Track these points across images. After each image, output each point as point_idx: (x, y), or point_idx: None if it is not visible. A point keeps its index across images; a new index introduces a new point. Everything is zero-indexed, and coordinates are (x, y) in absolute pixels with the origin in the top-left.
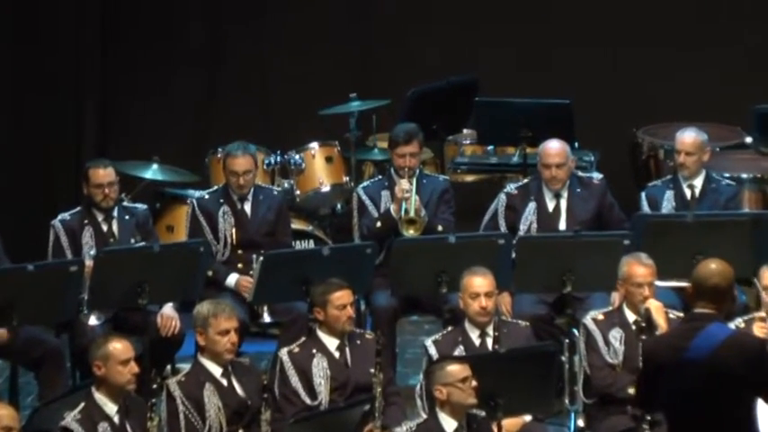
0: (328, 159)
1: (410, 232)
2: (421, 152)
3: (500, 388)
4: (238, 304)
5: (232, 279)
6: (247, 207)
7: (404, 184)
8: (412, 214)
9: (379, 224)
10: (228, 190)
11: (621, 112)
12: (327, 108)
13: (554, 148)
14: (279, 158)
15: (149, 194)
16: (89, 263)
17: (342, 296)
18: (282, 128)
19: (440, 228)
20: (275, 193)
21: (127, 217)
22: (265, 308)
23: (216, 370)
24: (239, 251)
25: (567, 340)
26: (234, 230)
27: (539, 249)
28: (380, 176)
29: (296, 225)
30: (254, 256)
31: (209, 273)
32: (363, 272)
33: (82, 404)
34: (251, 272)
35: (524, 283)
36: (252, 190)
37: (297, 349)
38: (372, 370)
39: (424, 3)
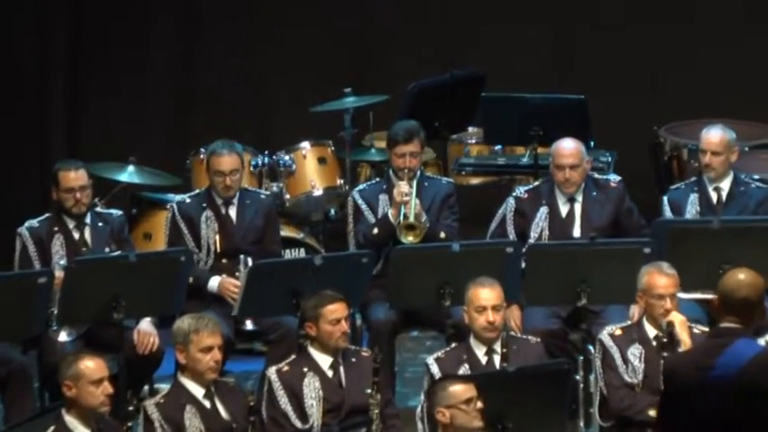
0: (321, 160)
1: (410, 239)
2: (422, 152)
3: (509, 410)
4: (223, 319)
5: (214, 282)
6: (232, 212)
7: (403, 186)
8: (412, 220)
9: (376, 231)
10: (212, 193)
11: (641, 109)
12: (320, 104)
13: (568, 147)
14: (267, 159)
15: (125, 199)
16: (59, 274)
17: (335, 309)
18: (271, 126)
19: (442, 235)
20: (263, 197)
21: (100, 224)
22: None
23: (198, 391)
24: (223, 260)
25: (581, 358)
26: (218, 237)
27: (551, 258)
28: (378, 179)
29: (285, 232)
30: (242, 256)
31: (191, 279)
32: (359, 283)
33: (51, 428)
34: (237, 273)
35: (535, 296)
36: (237, 194)
37: (286, 368)
38: (369, 390)
39: None
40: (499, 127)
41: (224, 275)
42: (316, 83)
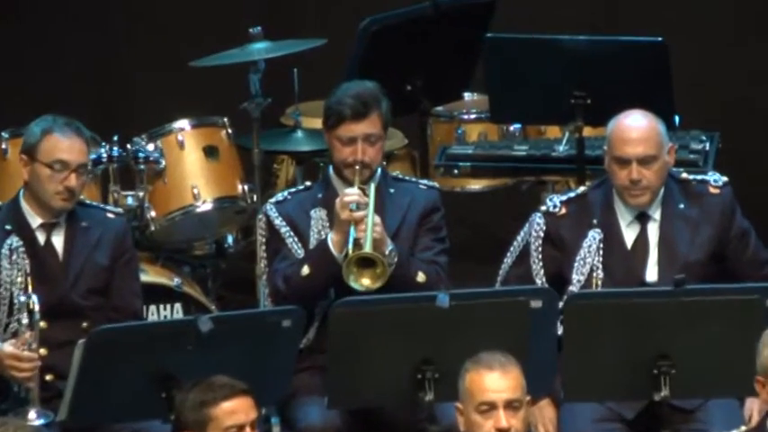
0: (209, 151)
1: (365, 283)
2: (384, 136)
3: None
4: (40, 427)
5: None
6: (57, 241)
7: (352, 195)
8: (368, 250)
9: (306, 271)
10: (22, 208)
11: (760, 62)
12: (206, 56)
13: (636, 127)
14: (116, 152)
15: None
16: None
17: (235, 409)
18: (121, 95)
19: (421, 277)
20: (110, 216)
21: None
22: (33, 396)
23: None
24: (41, 323)
25: None
26: (29, 283)
27: (607, 318)
28: (308, 183)
29: (149, 276)
30: (22, 297)
31: None
32: (277, 363)
33: None
34: (20, 329)
35: (580, 384)
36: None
37: None
38: None
39: None
40: (516, 92)
41: (11, 341)
42: (199, 19)
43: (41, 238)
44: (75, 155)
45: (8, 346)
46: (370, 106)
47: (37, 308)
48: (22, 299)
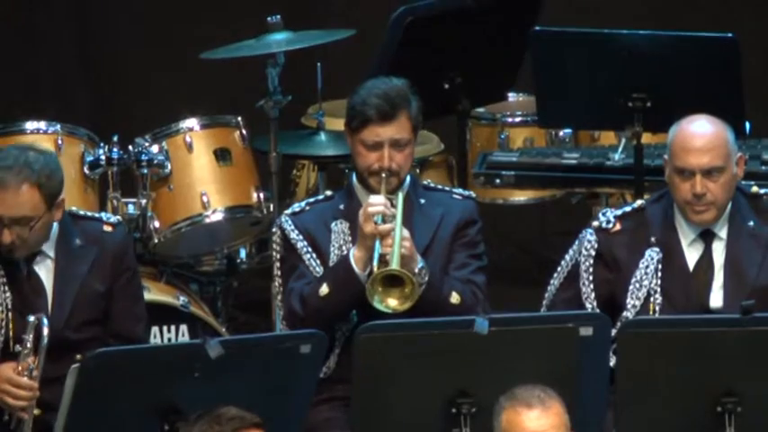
0: (221, 154)
1: (392, 304)
2: (414, 139)
3: None
4: None
5: None
6: (44, 270)
7: (378, 205)
8: (395, 266)
9: (325, 290)
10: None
11: None
12: (219, 48)
13: (700, 135)
14: (115, 154)
15: None
16: None
17: None
18: (122, 90)
19: (455, 298)
20: (107, 230)
21: None
22: (27, 428)
23: None
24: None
25: None
26: (11, 316)
27: (666, 349)
28: (329, 192)
29: (152, 294)
30: (31, 318)
31: None
32: (293, 394)
33: None
34: (18, 348)
35: (635, 422)
36: (56, 228)
37: None
38: None
39: None
40: (567, 93)
41: (10, 363)
42: (212, 5)
43: (24, 267)
44: (4, 208)
45: (6, 369)
46: (398, 107)
47: (46, 331)
48: (31, 319)
